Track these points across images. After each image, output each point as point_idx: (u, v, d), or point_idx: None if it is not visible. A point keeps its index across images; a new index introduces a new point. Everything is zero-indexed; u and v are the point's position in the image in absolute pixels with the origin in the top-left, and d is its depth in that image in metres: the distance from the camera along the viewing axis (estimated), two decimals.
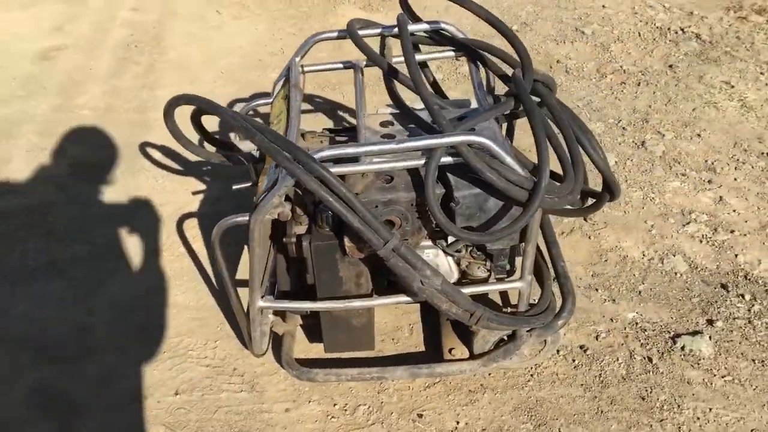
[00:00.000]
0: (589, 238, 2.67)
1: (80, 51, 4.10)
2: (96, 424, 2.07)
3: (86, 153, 3.23)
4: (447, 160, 1.75)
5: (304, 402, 2.12)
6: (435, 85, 2.55)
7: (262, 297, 1.96)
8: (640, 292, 2.44)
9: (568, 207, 1.96)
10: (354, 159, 1.78)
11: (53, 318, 2.40)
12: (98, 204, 2.91)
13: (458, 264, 2.02)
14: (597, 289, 2.45)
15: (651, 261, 2.55)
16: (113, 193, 2.97)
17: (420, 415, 2.08)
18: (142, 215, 2.83)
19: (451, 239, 1.95)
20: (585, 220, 2.74)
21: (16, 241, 2.72)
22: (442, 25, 2.24)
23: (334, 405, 2.11)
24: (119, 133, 3.33)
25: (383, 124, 2.02)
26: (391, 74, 2.14)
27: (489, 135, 1.76)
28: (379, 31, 2.27)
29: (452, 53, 2.25)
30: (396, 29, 2.17)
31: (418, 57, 2.21)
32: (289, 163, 1.69)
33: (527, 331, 2.05)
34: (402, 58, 2.06)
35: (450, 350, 2.18)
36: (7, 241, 2.73)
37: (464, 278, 2.03)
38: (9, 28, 4.33)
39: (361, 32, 2.22)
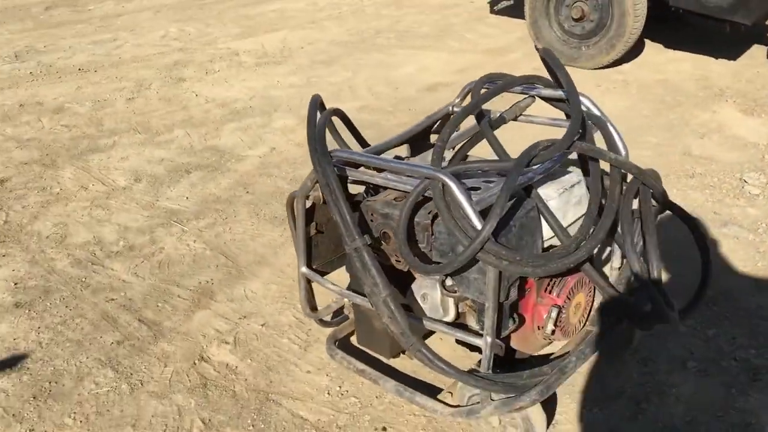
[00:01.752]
0: None
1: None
2: None
3: None
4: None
5: (320, 371, 2.44)
6: None
7: (305, 265, 2.36)
8: None
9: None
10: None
11: None
12: None
13: (457, 306, 2.05)
14: None
15: None
16: None
17: (384, 429, 2.19)
18: None
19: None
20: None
21: None
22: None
23: (338, 386, 2.37)
24: None
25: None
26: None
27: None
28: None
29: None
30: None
31: None
32: (312, 155, 2.08)
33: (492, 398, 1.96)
34: None
35: (448, 391, 2.19)
36: None
37: (458, 320, 2.06)
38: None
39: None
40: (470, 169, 1.93)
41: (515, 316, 2.02)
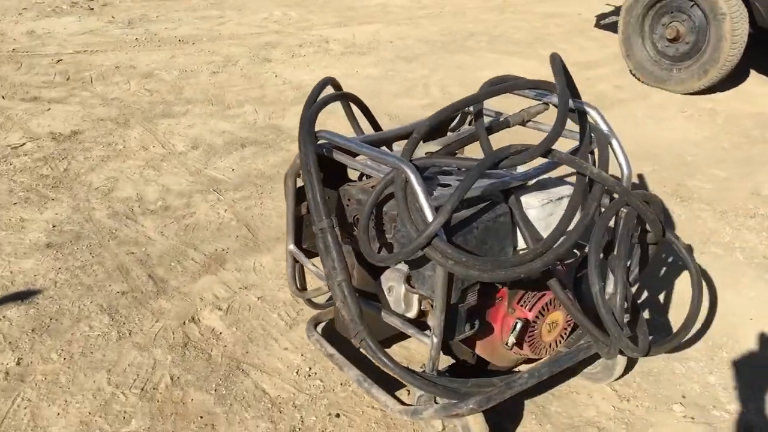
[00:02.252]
0: None
1: None
2: None
3: None
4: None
5: (297, 350, 2.45)
6: None
7: (293, 243, 2.38)
8: None
9: None
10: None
11: None
12: None
13: (420, 303, 2.01)
14: None
15: None
16: None
17: (337, 415, 2.17)
18: None
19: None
20: None
21: None
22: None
23: (309, 367, 2.38)
24: None
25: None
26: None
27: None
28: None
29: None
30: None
31: None
32: (299, 134, 2.09)
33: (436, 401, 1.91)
34: None
35: (408, 389, 2.15)
36: None
37: (422, 318, 2.01)
38: None
39: None
40: (438, 164, 1.88)
41: (475, 322, 1.96)
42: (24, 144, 4.14)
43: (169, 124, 4.46)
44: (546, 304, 2.03)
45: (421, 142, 1.95)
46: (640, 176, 3.76)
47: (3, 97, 4.98)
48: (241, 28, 6.87)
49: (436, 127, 2.31)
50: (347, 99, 2.37)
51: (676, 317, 2.62)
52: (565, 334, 2.15)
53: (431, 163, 1.86)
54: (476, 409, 1.85)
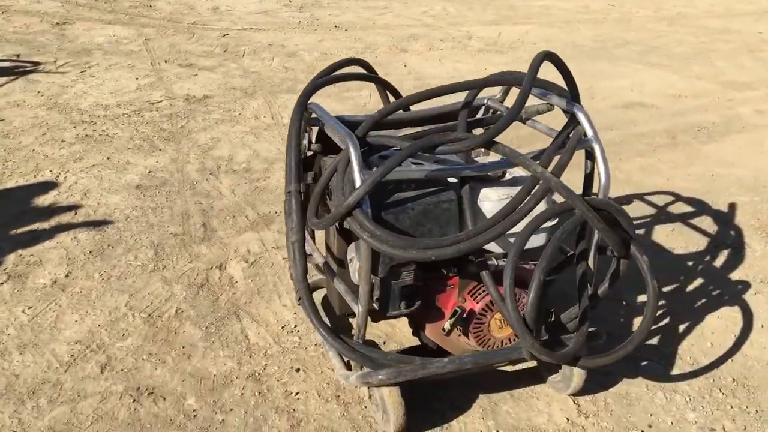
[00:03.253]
0: None
1: None
2: None
3: None
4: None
5: (294, 309, 2.61)
6: None
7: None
8: None
9: None
10: None
11: None
12: None
13: None
14: None
15: None
16: None
17: (297, 370, 2.31)
18: None
19: None
20: None
21: None
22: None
23: (296, 325, 2.53)
24: None
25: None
26: None
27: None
28: None
29: None
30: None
31: None
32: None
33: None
34: None
35: None
36: None
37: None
38: None
39: None
40: (387, 144, 1.94)
41: (414, 302, 1.99)
42: (161, 101, 4.71)
43: (287, 99, 4.82)
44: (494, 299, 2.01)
45: None
46: (732, 204, 3.45)
47: (165, 62, 5.66)
48: (396, 20, 7.13)
49: (437, 117, 2.35)
50: (381, 83, 2.45)
51: (691, 350, 2.44)
52: None
53: (380, 141, 1.93)
54: (385, 381, 1.90)
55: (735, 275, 2.87)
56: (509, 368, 2.30)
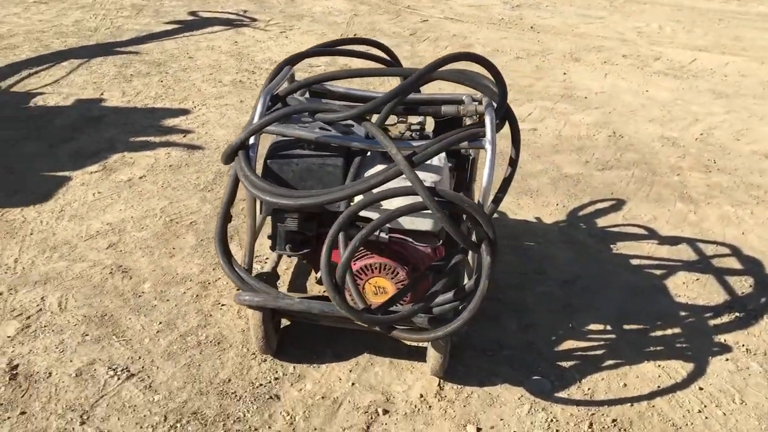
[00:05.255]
0: None
1: None
2: None
3: None
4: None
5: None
6: None
7: None
8: None
9: None
10: None
11: None
12: None
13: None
14: None
15: None
16: None
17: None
18: None
19: None
20: None
21: None
22: None
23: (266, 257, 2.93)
24: None
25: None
26: None
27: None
28: None
29: None
30: None
31: None
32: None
33: None
34: None
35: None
36: None
37: None
38: None
39: None
40: (302, 105, 2.23)
41: (301, 249, 2.27)
42: (320, 67, 5.32)
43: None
44: (369, 265, 2.21)
45: None
46: None
47: (354, 35, 6.27)
48: (599, 30, 6.97)
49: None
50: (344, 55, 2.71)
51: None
52: (404, 303, 2.22)
53: (301, 105, 2.23)
54: (244, 302, 2.21)
55: (722, 338, 2.64)
56: (411, 343, 2.43)
